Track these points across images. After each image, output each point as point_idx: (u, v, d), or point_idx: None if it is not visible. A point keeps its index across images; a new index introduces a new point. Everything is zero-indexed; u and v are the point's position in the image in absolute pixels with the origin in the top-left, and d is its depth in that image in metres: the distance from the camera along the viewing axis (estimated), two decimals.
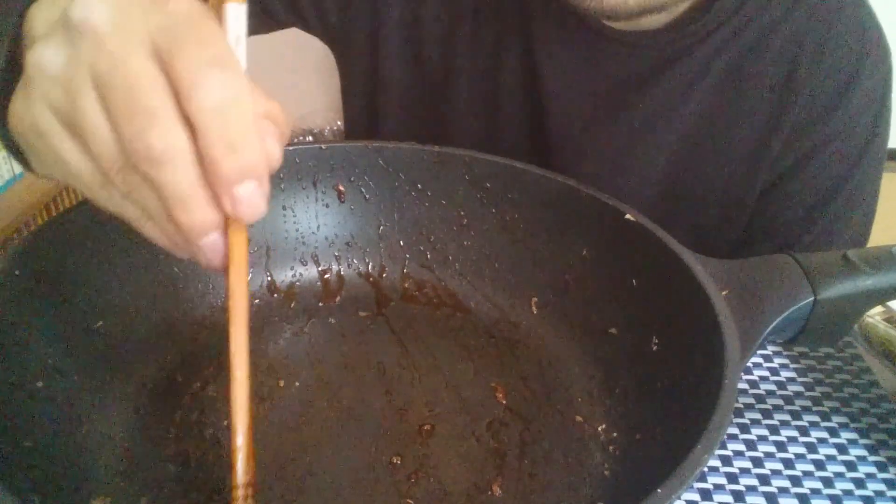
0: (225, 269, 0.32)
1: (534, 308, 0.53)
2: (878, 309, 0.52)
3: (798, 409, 0.49)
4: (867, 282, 0.41)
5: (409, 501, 0.41)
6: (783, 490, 0.44)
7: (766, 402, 0.50)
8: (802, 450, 0.46)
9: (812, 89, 0.59)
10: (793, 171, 0.62)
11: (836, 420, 0.49)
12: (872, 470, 0.45)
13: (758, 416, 0.49)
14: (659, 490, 0.31)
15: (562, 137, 0.63)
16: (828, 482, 0.44)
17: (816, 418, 0.49)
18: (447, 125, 0.66)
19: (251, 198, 0.29)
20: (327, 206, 0.56)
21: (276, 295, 0.55)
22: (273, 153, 0.31)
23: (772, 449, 0.46)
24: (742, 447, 0.46)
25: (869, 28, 0.61)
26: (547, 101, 0.62)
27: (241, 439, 0.33)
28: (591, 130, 0.63)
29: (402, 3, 0.63)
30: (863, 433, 0.48)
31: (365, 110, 0.70)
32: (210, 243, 0.30)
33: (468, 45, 0.63)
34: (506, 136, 0.64)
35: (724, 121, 0.61)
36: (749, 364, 0.52)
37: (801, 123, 0.60)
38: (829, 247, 0.63)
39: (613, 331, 0.48)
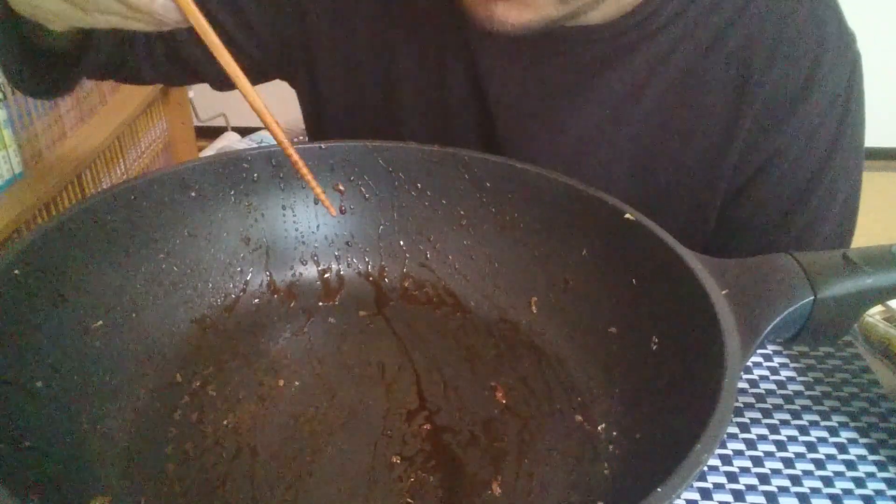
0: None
1: (534, 308, 0.53)
2: (878, 308, 0.52)
3: (798, 408, 0.49)
4: (867, 281, 0.41)
5: (409, 501, 0.41)
6: (783, 489, 0.44)
7: (765, 402, 0.50)
8: (802, 449, 0.46)
9: (769, 92, 0.58)
10: (759, 174, 0.61)
11: (835, 419, 0.49)
12: (872, 469, 0.45)
13: (757, 415, 0.49)
14: (659, 489, 0.31)
15: (511, 142, 0.63)
16: (828, 481, 0.44)
17: (816, 417, 0.49)
18: (399, 139, 0.64)
19: None
20: None
21: (276, 295, 0.55)
22: None
23: (771, 448, 0.46)
24: (742, 446, 0.46)
25: (827, 22, 0.59)
26: (494, 107, 0.62)
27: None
28: (541, 135, 0.62)
29: (330, 25, 0.64)
30: (863, 432, 0.48)
31: (316, 132, 0.71)
32: (161, 6, 0.39)
33: (411, 60, 0.63)
34: (459, 145, 0.63)
35: (680, 123, 0.60)
36: (749, 363, 0.52)
37: (760, 126, 0.59)
38: (811, 245, 0.63)
39: (613, 330, 0.48)
